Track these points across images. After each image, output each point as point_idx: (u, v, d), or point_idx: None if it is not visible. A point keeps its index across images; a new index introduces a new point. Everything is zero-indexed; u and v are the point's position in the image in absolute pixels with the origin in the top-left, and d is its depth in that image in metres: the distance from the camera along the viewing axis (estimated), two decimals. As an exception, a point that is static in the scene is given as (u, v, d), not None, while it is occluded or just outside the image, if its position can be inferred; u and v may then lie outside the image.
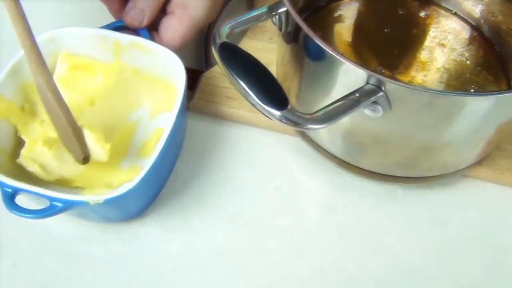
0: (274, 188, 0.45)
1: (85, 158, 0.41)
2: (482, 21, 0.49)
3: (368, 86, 0.31)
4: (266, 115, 0.29)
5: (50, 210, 0.35)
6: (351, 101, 0.31)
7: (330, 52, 0.31)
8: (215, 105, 0.47)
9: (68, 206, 0.35)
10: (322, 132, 0.41)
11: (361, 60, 0.48)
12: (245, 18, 0.34)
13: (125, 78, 0.46)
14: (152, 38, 0.44)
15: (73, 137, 0.40)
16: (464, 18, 0.50)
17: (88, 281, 0.40)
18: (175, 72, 0.42)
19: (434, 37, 0.49)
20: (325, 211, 0.43)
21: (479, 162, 0.43)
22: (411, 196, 0.44)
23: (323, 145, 0.43)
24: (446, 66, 0.47)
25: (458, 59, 0.48)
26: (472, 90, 0.45)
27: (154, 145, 0.39)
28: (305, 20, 0.49)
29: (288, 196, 0.44)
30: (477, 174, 0.44)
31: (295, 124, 0.29)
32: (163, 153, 0.38)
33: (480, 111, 0.33)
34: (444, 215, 0.43)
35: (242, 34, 0.51)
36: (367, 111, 0.33)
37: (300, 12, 0.49)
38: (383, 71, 0.46)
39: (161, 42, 0.43)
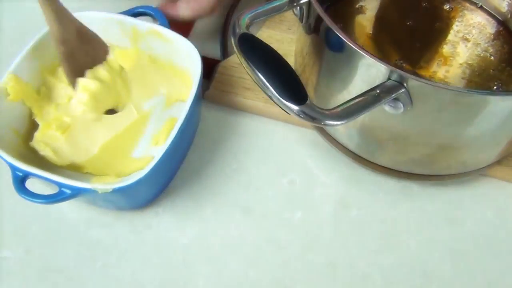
0: (288, 181, 0.44)
1: (105, 51, 0.44)
2: (509, 16, 0.48)
3: (390, 82, 0.31)
4: (284, 109, 0.29)
5: (59, 196, 0.35)
6: (372, 97, 0.31)
7: (351, 45, 0.30)
8: (230, 95, 0.46)
9: (76, 193, 0.35)
10: (340, 127, 0.40)
11: (381, 53, 0.46)
12: (266, 8, 0.33)
13: (142, 65, 0.46)
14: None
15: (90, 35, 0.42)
16: (490, 12, 0.49)
17: (100, 268, 0.40)
18: (191, 61, 0.42)
19: (458, 31, 0.48)
20: (339, 206, 0.43)
21: (499, 161, 0.42)
22: (427, 193, 0.43)
23: (339, 140, 0.42)
24: (469, 62, 0.46)
25: (482, 55, 0.46)
26: (495, 87, 0.44)
27: (167, 135, 0.39)
28: (325, 10, 0.49)
29: (302, 190, 0.44)
30: (495, 173, 0.43)
31: (313, 119, 0.29)
32: (174, 144, 0.38)
33: (504, 110, 0.32)
34: (461, 214, 0.42)
35: (261, 23, 0.51)
36: (387, 108, 0.32)
37: (320, 2, 0.48)
38: (404, 65, 0.45)
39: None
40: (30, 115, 0.42)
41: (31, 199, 0.35)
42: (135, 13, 0.44)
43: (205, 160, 0.45)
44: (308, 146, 0.45)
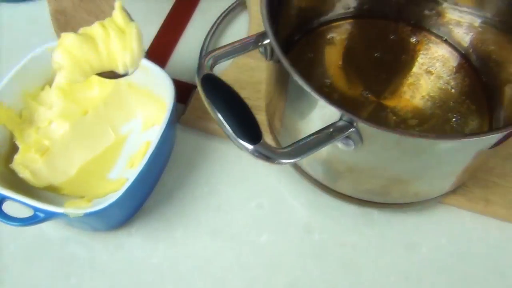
0: (256, 205, 0.46)
1: (111, 6, 0.39)
2: (471, 50, 0.50)
3: (341, 122, 0.33)
4: (239, 148, 0.31)
5: (33, 220, 0.37)
6: (325, 135, 0.33)
7: (307, 89, 0.33)
8: (205, 121, 0.49)
9: (49, 216, 0.37)
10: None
11: (349, 83, 0.49)
12: (231, 49, 0.36)
13: (120, 91, 0.48)
14: None
15: None
16: (453, 46, 0.51)
17: (74, 285, 0.42)
18: (165, 89, 0.44)
19: (422, 64, 0.50)
20: (303, 230, 0.45)
21: (454, 190, 0.45)
22: (387, 220, 0.46)
23: (303, 168, 0.44)
24: (431, 94, 0.48)
25: (443, 87, 0.49)
26: (454, 119, 0.47)
27: (142, 157, 0.41)
28: (298, 41, 0.51)
29: (269, 214, 0.46)
30: (451, 201, 0.45)
31: (267, 158, 0.31)
32: (147, 167, 0.40)
33: (445, 150, 0.34)
34: (417, 240, 0.45)
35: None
36: (340, 145, 0.34)
37: (293, 33, 0.51)
38: (369, 95, 0.48)
39: None
40: (11, 138, 0.44)
41: (6, 221, 0.37)
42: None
43: (178, 183, 0.47)
44: (276, 172, 0.48)
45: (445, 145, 0.33)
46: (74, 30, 0.38)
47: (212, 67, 0.34)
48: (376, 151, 0.35)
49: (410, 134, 0.31)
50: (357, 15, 0.53)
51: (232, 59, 0.47)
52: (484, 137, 0.32)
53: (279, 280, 0.43)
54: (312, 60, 0.50)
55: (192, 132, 0.50)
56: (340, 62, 0.50)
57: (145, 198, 0.46)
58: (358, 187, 0.42)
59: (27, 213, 0.38)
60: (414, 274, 0.43)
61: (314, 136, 0.33)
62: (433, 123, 0.46)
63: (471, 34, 0.50)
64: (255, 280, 0.43)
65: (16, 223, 0.37)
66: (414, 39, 0.52)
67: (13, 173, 0.43)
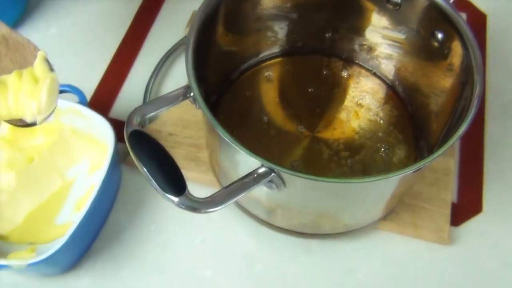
0: (200, 240, 0.48)
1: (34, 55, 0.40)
2: (397, 82, 0.54)
3: (263, 169, 0.36)
4: (166, 200, 0.33)
5: (-21, 272, 0.38)
6: (247, 182, 0.35)
7: (229, 141, 0.35)
8: (148, 161, 0.51)
9: (-7, 268, 0.39)
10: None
11: (285, 118, 0.52)
12: (158, 103, 0.38)
13: (65, 137, 0.50)
14: None
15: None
16: (381, 78, 0.55)
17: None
18: (106, 135, 0.46)
19: (353, 97, 0.53)
20: (245, 262, 0.47)
21: (385, 217, 0.48)
22: (324, 248, 0.48)
23: (241, 204, 0.47)
24: (362, 126, 0.52)
25: (373, 119, 0.52)
26: (382, 149, 0.50)
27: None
28: (236, 79, 0.54)
29: (213, 248, 0.48)
30: (384, 227, 0.49)
31: (193, 209, 0.33)
32: (91, 211, 0.42)
33: (361, 190, 0.37)
34: (353, 265, 0.48)
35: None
36: (264, 188, 0.37)
37: (229, 73, 0.53)
38: (303, 130, 0.51)
39: None
40: (-42, 190, 0.45)
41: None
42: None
43: (125, 223, 0.49)
44: (219, 207, 0.50)
45: (360, 186, 0.36)
46: None
47: (141, 122, 0.36)
48: (299, 192, 0.38)
49: (322, 180, 0.34)
50: (292, 52, 0.56)
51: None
52: (390, 178, 0.35)
53: (224, 312, 0.45)
54: (250, 98, 0.52)
55: (137, 172, 0.51)
56: (277, 99, 0.53)
57: (92, 240, 0.47)
58: (291, 222, 0.45)
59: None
60: (351, 299, 0.46)
61: (238, 182, 0.35)
62: (363, 154, 0.49)
63: (396, 66, 0.53)
64: (201, 314, 0.45)
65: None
66: (346, 74, 0.55)
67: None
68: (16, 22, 0.62)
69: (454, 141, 0.37)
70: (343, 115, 0.52)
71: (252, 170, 0.36)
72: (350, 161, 0.49)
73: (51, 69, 0.39)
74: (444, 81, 0.45)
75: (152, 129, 0.52)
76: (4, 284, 0.45)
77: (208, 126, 0.41)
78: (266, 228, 0.48)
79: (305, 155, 0.49)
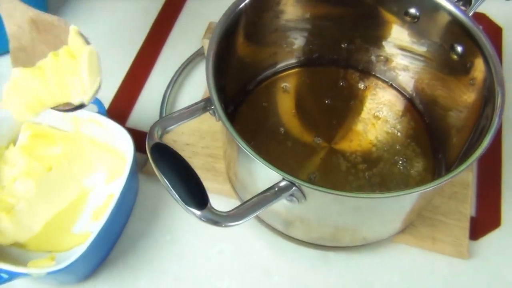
0: (217, 251, 0.48)
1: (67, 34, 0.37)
2: (415, 94, 0.54)
3: (284, 182, 0.36)
4: (188, 213, 0.33)
5: (-2, 281, 0.39)
6: (269, 196, 0.35)
7: (251, 154, 0.35)
8: (165, 171, 0.51)
9: (13, 277, 0.39)
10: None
11: (302, 130, 0.52)
12: (179, 116, 0.38)
13: (83, 146, 0.50)
14: None
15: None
16: (399, 90, 0.55)
17: None
18: (125, 145, 0.46)
19: (370, 109, 0.53)
20: (262, 273, 0.47)
21: (403, 230, 0.47)
22: (342, 260, 0.48)
23: (260, 216, 0.47)
24: (379, 138, 0.51)
25: (390, 131, 0.52)
26: (400, 162, 0.50)
27: (106, 210, 0.43)
28: (252, 90, 0.54)
29: (229, 259, 0.48)
30: (402, 240, 0.48)
31: (215, 222, 0.33)
32: (110, 221, 0.42)
33: (382, 204, 0.37)
34: (371, 278, 0.47)
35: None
36: (285, 201, 0.37)
37: (247, 83, 0.54)
38: (320, 142, 0.51)
39: None
40: (-23, 197, 0.46)
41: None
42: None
43: (141, 232, 0.49)
44: (235, 218, 0.50)
45: (380, 200, 0.36)
46: (32, 64, 0.37)
47: (162, 135, 0.37)
48: (319, 205, 0.38)
49: (344, 194, 0.34)
50: (308, 63, 0.56)
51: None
52: (410, 194, 0.35)
53: (240, 324, 0.45)
54: (266, 109, 0.52)
55: (154, 182, 0.52)
56: (293, 110, 0.53)
57: (110, 249, 0.48)
58: (310, 235, 0.44)
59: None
60: (368, 313, 0.46)
61: (259, 196, 0.35)
62: (381, 166, 0.49)
63: (414, 78, 0.53)
64: (217, 326, 0.45)
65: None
66: (362, 85, 0.55)
67: (-20, 232, 0.45)
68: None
69: (477, 157, 0.37)
70: (360, 127, 0.52)
71: (272, 183, 0.36)
72: (368, 173, 0.49)
73: (87, 42, 0.37)
74: (466, 96, 0.45)
75: (169, 139, 0.52)
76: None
77: (227, 138, 0.42)
78: (283, 239, 0.48)
79: (322, 167, 0.49)
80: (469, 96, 0.45)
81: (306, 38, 0.53)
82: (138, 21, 0.65)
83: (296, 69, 0.56)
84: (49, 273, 0.39)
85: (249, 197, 0.35)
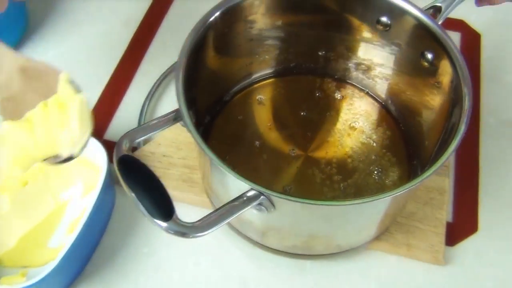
0: (194, 263, 0.48)
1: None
2: (390, 101, 0.54)
3: (252, 192, 0.36)
4: (155, 226, 0.34)
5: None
6: (237, 205, 0.36)
7: (218, 165, 0.35)
8: (142, 183, 0.51)
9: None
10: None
11: (278, 142, 0.52)
12: (148, 128, 0.38)
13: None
14: None
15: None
16: (375, 98, 0.55)
17: None
18: (99, 157, 0.46)
19: (346, 120, 0.54)
20: (239, 284, 0.47)
21: (378, 237, 0.47)
22: (318, 268, 0.48)
23: (234, 225, 0.47)
24: (354, 149, 0.51)
25: (365, 141, 0.52)
26: (375, 172, 0.50)
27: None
28: (228, 101, 0.54)
29: (206, 271, 0.48)
30: (378, 247, 0.48)
31: (181, 234, 0.33)
32: (82, 234, 0.42)
33: (350, 212, 0.37)
34: (347, 286, 0.47)
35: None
36: (254, 211, 0.37)
37: (222, 95, 0.54)
38: (296, 154, 0.51)
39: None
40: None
41: None
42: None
43: (118, 245, 0.49)
44: (212, 229, 0.50)
45: (348, 208, 0.36)
46: (21, 115, 0.35)
47: (130, 147, 0.37)
48: (289, 214, 0.38)
49: (309, 202, 0.34)
50: (285, 73, 0.56)
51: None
52: (376, 200, 0.35)
53: (217, 336, 0.45)
54: (241, 122, 0.53)
55: (131, 194, 0.52)
56: (269, 123, 0.53)
57: (85, 262, 0.47)
58: (284, 243, 0.45)
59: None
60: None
61: (227, 206, 0.35)
62: (356, 177, 0.49)
63: (388, 85, 0.54)
64: (193, 338, 0.44)
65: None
66: (339, 95, 0.55)
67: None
68: (15, 45, 0.63)
69: (443, 162, 0.37)
70: (335, 138, 0.52)
71: (241, 192, 0.36)
72: (343, 184, 0.49)
73: (78, 90, 0.36)
74: (434, 99, 0.45)
75: (146, 150, 0.53)
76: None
77: (198, 150, 0.42)
78: (260, 249, 0.48)
79: (297, 179, 0.49)
80: (439, 101, 0.45)
81: (281, 47, 0.54)
82: (118, 34, 0.65)
83: (273, 79, 0.56)
84: (20, 290, 0.39)
85: (223, 207, 0.36)
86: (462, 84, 0.40)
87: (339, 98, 0.55)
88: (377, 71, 0.53)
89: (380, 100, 0.55)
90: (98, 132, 0.57)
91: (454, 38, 0.64)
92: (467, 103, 0.39)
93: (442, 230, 0.48)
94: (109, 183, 0.47)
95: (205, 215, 0.36)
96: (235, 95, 0.55)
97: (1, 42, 0.34)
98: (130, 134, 0.37)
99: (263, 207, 0.37)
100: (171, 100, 0.59)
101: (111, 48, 0.64)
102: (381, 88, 0.54)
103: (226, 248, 0.49)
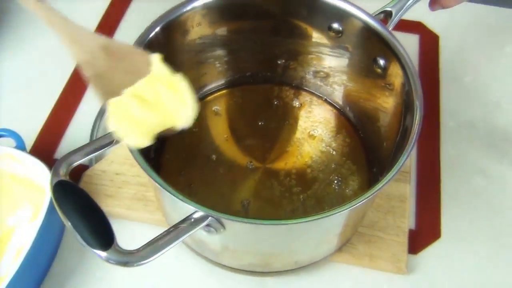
0: (152, 285, 0.46)
1: (148, 63, 0.37)
2: (348, 108, 0.53)
3: (199, 213, 0.34)
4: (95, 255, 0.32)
5: None
6: (184, 228, 0.34)
7: (160, 186, 0.34)
8: (94, 203, 0.49)
9: None
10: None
11: (235, 155, 0.50)
12: (87, 150, 0.36)
13: (5, 183, 0.47)
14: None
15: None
16: (333, 105, 0.54)
17: None
18: (44, 179, 0.44)
19: (305, 128, 0.52)
20: (199, 305, 0.46)
21: (340, 248, 0.46)
22: (281, 285, 0.46)
23: (190, 246, 0.45)
24: (314, 158, 0.50)
25: (325, 150, 0.51)
26: (335, 181, 0.49)
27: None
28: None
29: (164, 292, 0.46)
30: (340, 260, 0.47)
31: (123, 263, 0.31)
32: (27, 261, 0.40)
33: (307, 228, 0.36)
34: (311, 302, 0.46)
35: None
36: (203, 232, 0.35)
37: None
38: (253, 167, 0.49)
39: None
40: None
41: None
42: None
43: (69, 270, 0.47)
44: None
45: (298, 225, 0.35)
46: (116, 93, 0.37)
47: (68, 171, 0.35)
48: (240, 234, 0.36)
49: (258, 223, 0.33)
50: (242, 82, 0.55)
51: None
52: (334, 214, 0.34)
53: None
54: (197, 134, 0.51)
55: (84, 216, 0.50)
56: (225, 135, 0.51)
57: (34, 292, 0.45)
58: (240, 262, 0.43)
59: None
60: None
61: (172, 229, 0.34)
62: (316, 187, 0.48)
63: (345, 92, 0.53)
64: None
65: None
66: (297, 103, 0.54)
67: None
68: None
69: (397, 170, 0.36)
70: (294, 148, 0.51)
71: (187, 214, 0.34)
72: (303, 196, 0.48)
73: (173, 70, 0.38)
74: (387, 102, 0.45)
75: (97, 169, 0.50)
76: None
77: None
78: (220, 268, 0.46)
79: (256, 192, 0.48)
80: (392, 103, 0.44)
81: (232, 56, 0.52)
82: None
83: (229, 89, 0.55)
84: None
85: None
86: (414, 96, 0.39)
87: (297, 106, 0.54)
88: (333, 78, 0.52)
89: (338, 107, 0.54)
90: (48, 151, 0.54)
91: (413, 40, 0.64)
92: (418, 112, 0.38)
93: (404, 239, 0.47)
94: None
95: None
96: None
97: (78, 24, 0.35)
98: (67, 158, 0.35)
99: (212, 229, 0.35)
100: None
101: (61, 62, 0.61)
102: (339, 94, 0.53)
103: (186, 269, 0.47)
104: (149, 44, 0.41)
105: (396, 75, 0.42)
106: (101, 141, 0.37)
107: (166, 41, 0.43)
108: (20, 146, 0.46)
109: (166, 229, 0.46)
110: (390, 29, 0.44)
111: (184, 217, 0.34)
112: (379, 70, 0.45)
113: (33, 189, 0.47)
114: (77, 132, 0.56)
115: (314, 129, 0.52)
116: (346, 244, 0.47)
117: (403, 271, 0.46)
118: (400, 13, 0.45)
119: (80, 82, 0.60)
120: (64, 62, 0.61)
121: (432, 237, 0.50)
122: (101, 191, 0.49)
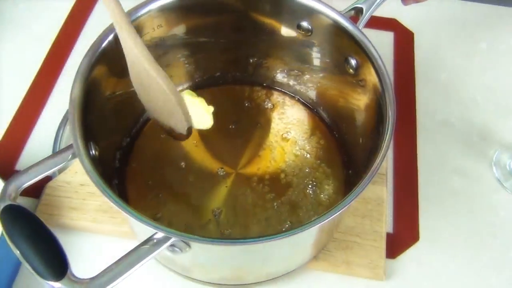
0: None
1: (189, 129, 0.43)
2: (321, 108, 0.51)
3: (160, 234, 0.32)
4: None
5: None
6: (146, 249, 0.32)
7: (117, 207, 0.32)
8: (57, 217, 0.46)
9: None
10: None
11: (205, 162, 0.48)
12: (38, 169, 0.33)
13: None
14: None
15: (177, 107, 0.40)
16: (306, 105, 0.52)
17: None
18: None
19: (278, 131, 0.50)
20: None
21: (316, 257, 0.45)
22: (258, 295, 0.45)
23: (161, 261, 0.43)
24: (288, 162, 0.48)
25: (299, 153, 0.49)
26: (310, 186, 0.47)
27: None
28: (148, 120, 0.50)
29: (136, 308, 0.44)
30: (316, 267, 0.45)
31: (79, 295, 0.29)
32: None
33: (275, 244, 0.34)
34: (289, 311, 0.44)
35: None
36: (168, 252, 0.33)
37: (140, 114, 0.50)
38: (224, 173, 0.47)
39: None
40: None
41: None
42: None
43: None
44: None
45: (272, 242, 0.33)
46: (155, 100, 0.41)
47: (18, 194, 0.32)
48: (207, 251, 0.34)
49: (224, 243, 0.31)
50: (210, 84, 0.52)
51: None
52: (306, 230, 0.32)
53: None
54: (165, 141, 0.48)
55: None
56: (195, 140, 0.49)
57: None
58: (212, 276, 0.41)
59: None
60: None
61: (133, 252, 0.32)
62: (290, 193, 0.46)
63: (318, 91, 0.51)
64: None
65: None
66: (269, 104, 0.52)
67: None
68: None
69: (373, 173, 0.35)
70: (267, 152, 0.49)
71: (150, 233, 0.32)
72: (276, 203, 0.46)
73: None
74: (361, 99, 0.43)
75: (60, 180, 0.48)
76: None
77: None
78: (192, 282, 0.44)
79: (227, 201, 0.46)
80: (366, 101, 0.43)
81: (201, 56, 0.50)
82: (30, 52, 0.60)
83: (198, 91, 0.52)
84: None
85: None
86: (387, 99, 0.38)
87: (269, 107, 0.52)
88: (306, 77, 0.50)
89: (311, 107, 0.52)
90: (9, 161, 0.51)
91: (387, 37, 0.62)
92: (391, 114, 0.37)
93: (382, 244, 0.46)
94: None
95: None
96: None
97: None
98: (16, 179, 0.33)
99: (177, 248, 0.33)
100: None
101: (22, 67, 0.58)
102: (312, 93, 0.51)
103: (157, 280, 0.45)
104: (103, 53, 0.38)
105: (368, 74, 0.41)
106: (58, 157, 0.34)
107: (116, 44, 0.40)
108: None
109: (134, 241, 0.45)
110: (362, 26, 0.42)
111: (146, 238, 0.32)
112: (351, 70, 0.43)
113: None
114: (40, 141, 0.53)
115: (287, 132, 0.50)
116: (323, 251, 0.45)
117: (381, 278, 0.45)
118: (371, 9, 0.43)
119: (43, 87, 0.57)
120: (25, 67, 0.58)
121: (410, 240, 0.49)
122: (65, 204, 0.47)
